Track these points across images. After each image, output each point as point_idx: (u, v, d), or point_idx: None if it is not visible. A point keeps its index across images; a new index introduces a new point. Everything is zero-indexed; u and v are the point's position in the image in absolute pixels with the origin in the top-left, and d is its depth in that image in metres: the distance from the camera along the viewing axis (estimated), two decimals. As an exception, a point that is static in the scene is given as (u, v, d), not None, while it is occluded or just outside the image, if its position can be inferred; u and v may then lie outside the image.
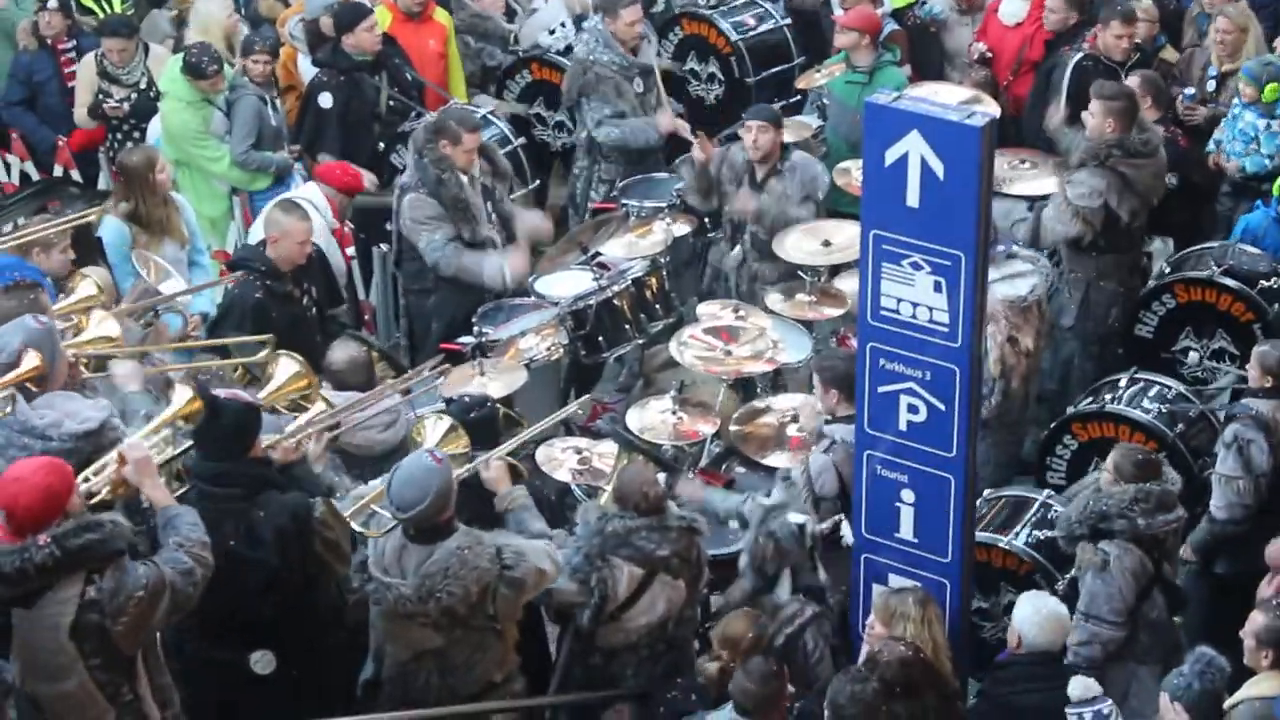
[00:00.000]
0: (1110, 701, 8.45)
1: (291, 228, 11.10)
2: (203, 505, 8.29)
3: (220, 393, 8.75)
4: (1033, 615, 8.82)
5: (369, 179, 13.05)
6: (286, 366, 9.51)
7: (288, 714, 8.62)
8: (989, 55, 14.15)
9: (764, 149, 12.13)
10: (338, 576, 8.80)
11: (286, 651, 8.67)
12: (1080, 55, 13.40)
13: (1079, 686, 8.39)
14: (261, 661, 8.63)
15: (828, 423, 9.86)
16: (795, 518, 9.28)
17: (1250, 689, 8.35)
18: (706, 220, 12.64)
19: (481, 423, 9.65)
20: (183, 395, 8.48)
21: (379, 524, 8.53)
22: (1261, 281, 11.87)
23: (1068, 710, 8.34)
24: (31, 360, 8.67)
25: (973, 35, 14.43)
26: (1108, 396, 11.36)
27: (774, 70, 14.66)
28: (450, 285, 12.02)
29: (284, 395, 9.44)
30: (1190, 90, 13.44)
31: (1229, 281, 11.85)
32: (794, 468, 9.80)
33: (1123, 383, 11.44)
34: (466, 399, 9.99)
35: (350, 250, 12.73)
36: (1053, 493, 10.63)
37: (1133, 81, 12.41)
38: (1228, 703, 8.33)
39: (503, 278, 11.92)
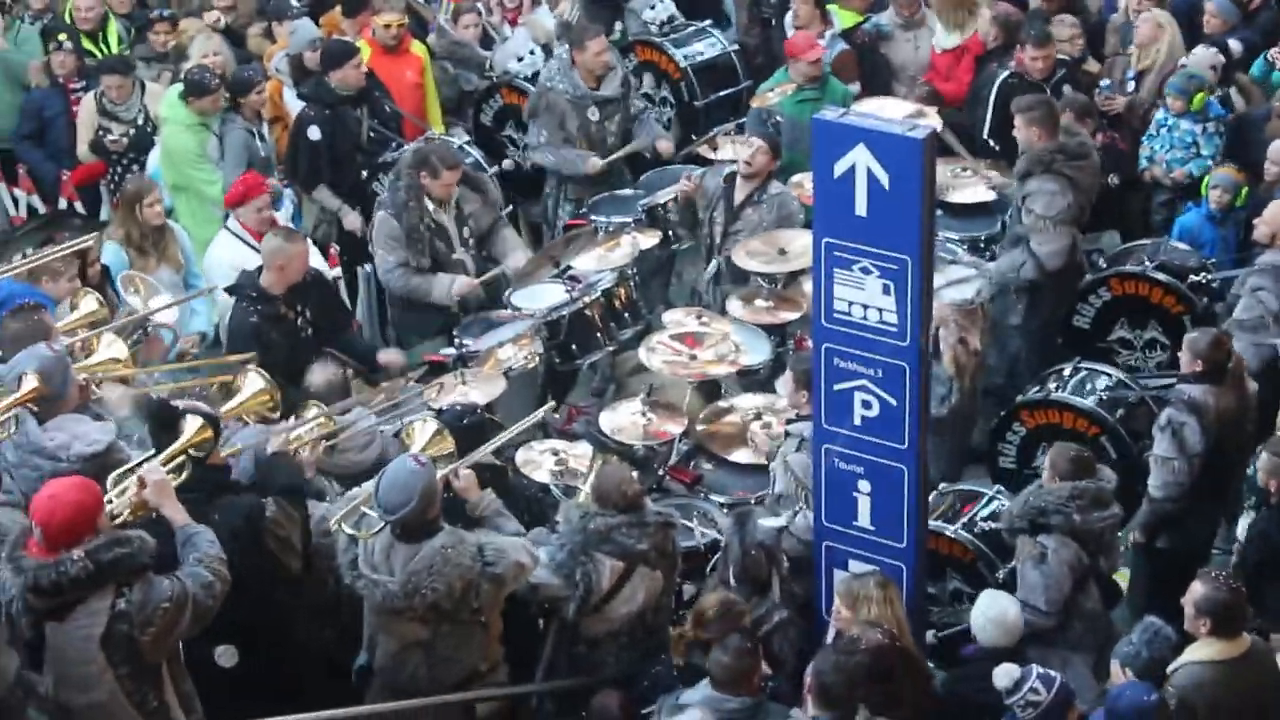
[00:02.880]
0: (1035, 669, 8.41)
1: (294, 252, 11.12)
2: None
3: (179, 403, 8.76)
4: (979, 618, 8.91)
5: (354, 220, 13.09)
6: (253, 382, 9.54)
7: (255, 702, 8.58)
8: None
9: (757, 168, 12.12)
10: (298, 568, 8.83)
11: (249, 644, 8.69)
12: (1006, 73, 13.46)
13: (1003, 677, 8.35)
14: (225, 655, 8.64)
15: (790, 421, 9.88)
16: (770, 522, 9.27)
17: (1190, 654, 8.41)
18: (670, 233, 12.63)
19: (472, 429, 9.68)
20: (193, 424, 8.47)
21: (369, 525, 8.54)
22: (1191, 276, 11.92)
23: (1010, 703, 8.31)
24: (30, 383, 8.66)
25: (914, 50, 14.49)
26: (1052, 385, 11.40)
27: (723, 93, 14.69)
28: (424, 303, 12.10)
29: (247, 409, 9.46)
30: (1106, 82, 13.53)
31: (1161, 276, 11.90)
32: (779, 484, 9.76)
33: (1066, 372, 11.48)
34: (458, 407, 10.02)
35: (337, 270, 12.74)
36: (1002, 488, 10.64)
37: (1063, 103, 12.48)
38: (1170, 667, 8.38)
39: (450, 299, 11.99)
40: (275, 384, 9.64)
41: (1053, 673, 8.33)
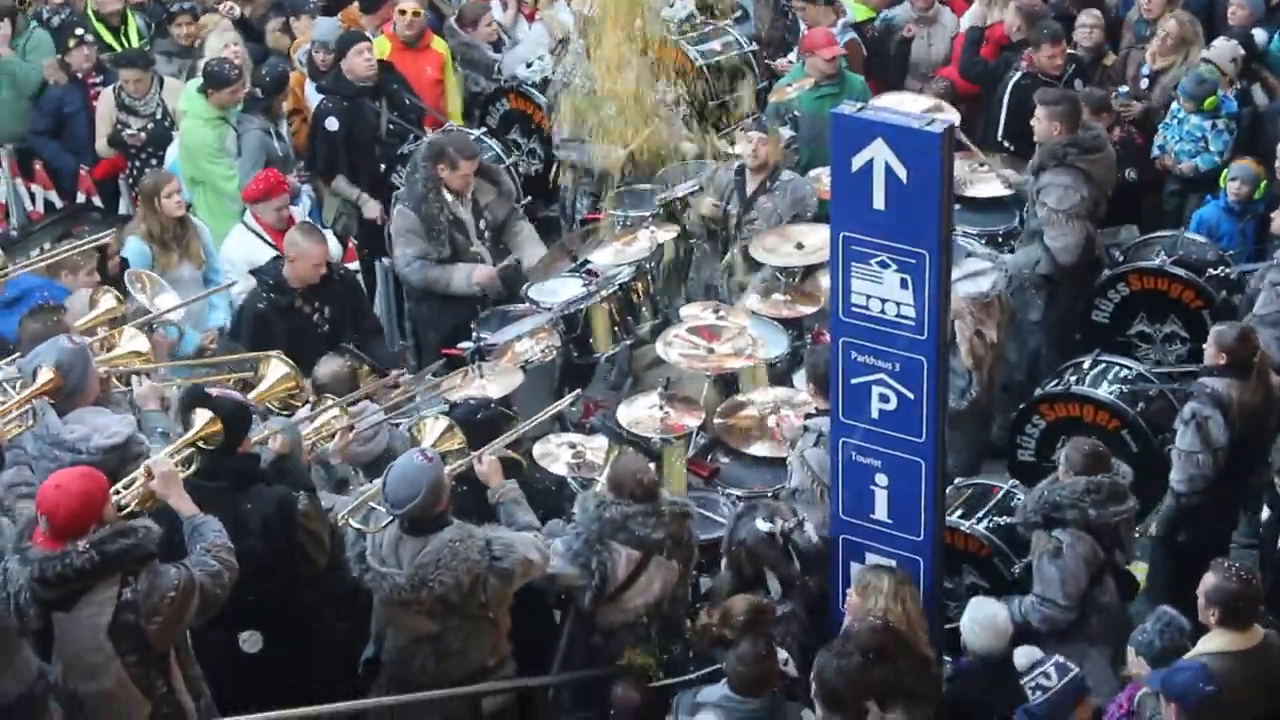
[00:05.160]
0: (1056, 657, 8.48)
1: (308, 250, 11.17)
2: (194, 496, 8.27)
3: (214, 391, 8.81)
4: (968, 623, 8.94)
5: (373, 209, 13.10)
6: (276, 369, 9.58)
7: (274, 689, 8.64)
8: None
9: (762, 159, 12.15)
10: (324, 563, 8.85)
11: (273, 632, 8.72)
12: (1019, 74, 13.50)
13: (1022, 657, 8.43)
14: (250, 641, 8.67)
15: (809, 416, 9.88)
16: (762, 525, 9.27)
17: (1202, 645, 8.38)
18: (687, 227, 12.64)
19: (485, 423, 9.71)
20: (203, 418, 8.50)
21: (376, 520, 8.56)
22: (1209, 270, 11.92)
23: (1023, 683, 8.38)
24: (45, 374, 8.68)
25: (928, 46, 14.56)
26: (1072, 378, 11.39)
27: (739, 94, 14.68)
28: (441, 296, 12.08)
29: (273, 395, 9.51)
30: (1124, 89, 13.53)
31: (1179, 270, 11.90)
32: (795, 478, 9.75)
33: (1086, 364, 11.48)
34: (471, 402, 10.03)
35: (355, 264, 12.76)
36: (1017, 483, 10.63)
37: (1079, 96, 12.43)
38: (1183, 659, 8.37)
39: (470, 288, 11.96)
40: (299, 372, 9.69)
41: (1072, 665, 8.35)
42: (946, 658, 9.28)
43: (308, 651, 8.92)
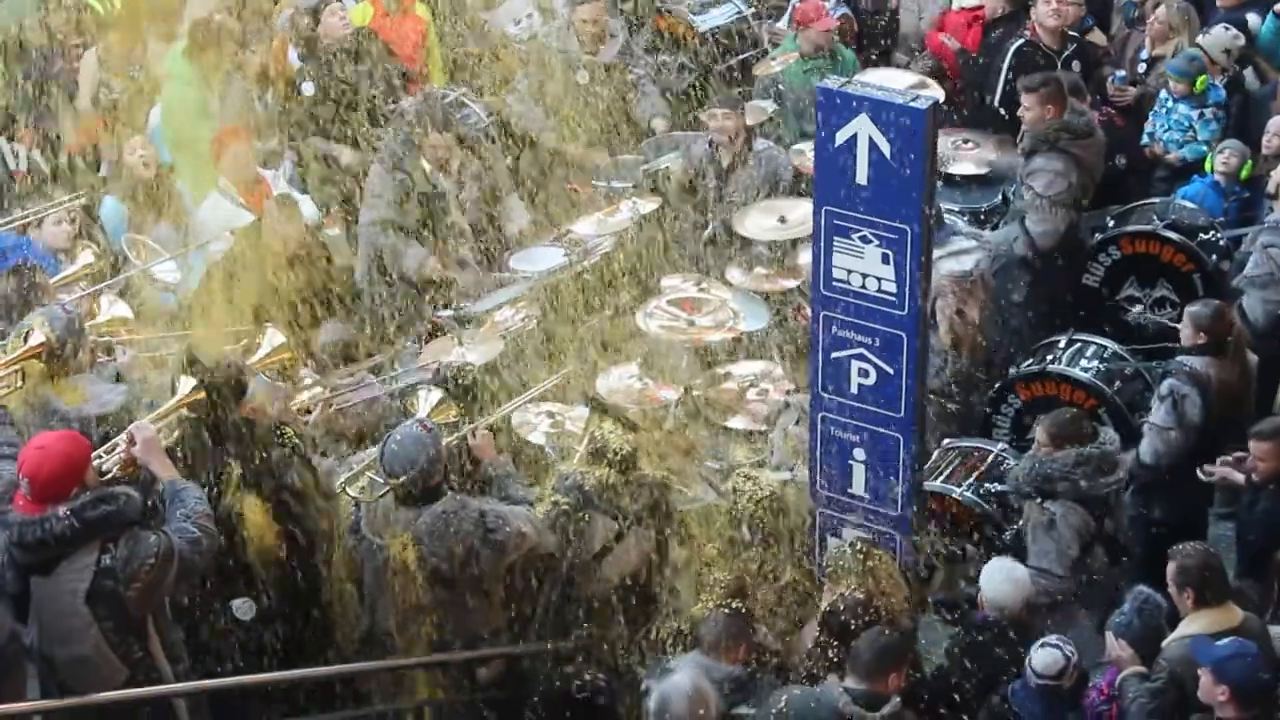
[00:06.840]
0: (1054, 639, 8.57)
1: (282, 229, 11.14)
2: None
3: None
4: (993, 579, 9.00)
5: (349, 157, 13.10)
6: (273, 337, 9.59)
7: (270, 659, 8.66)
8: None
9: (729, 133, 12.14)
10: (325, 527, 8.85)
11: (275, 598, 8.70)
12: (1021, 41, 13.46)
13: (1052, 664, 8.48)
14: (242, 608, 8.64)
15: (788, 393, 9.92)
16: (773, 476, 9.30)
17: (1183, 628, 8.46)
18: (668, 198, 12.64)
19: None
20: (186, 385, 8.51)
21: (372, 489, 8.56)
22: (1200, 234, 11.95)
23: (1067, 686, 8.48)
24: (37, 337, 8.68)
25: (918, 20, 14.53)
26: (1048, 357, 11.43)
27: (740, 58, 14.69)
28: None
29: (269, 363, 9.50)
30: (1121, 73, 13.53)
31: (1171, 234, 11.93)
32: (776, 454, 9.77)
33: (1061, 344, 11.51)
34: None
35: (335, 229, 12.76)
36: (1007, 446, 10.72)
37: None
38: (1165, 642, 8.43)
39: (416, 274, 11.88)
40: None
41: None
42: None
43: (302, 617, 8.90)
